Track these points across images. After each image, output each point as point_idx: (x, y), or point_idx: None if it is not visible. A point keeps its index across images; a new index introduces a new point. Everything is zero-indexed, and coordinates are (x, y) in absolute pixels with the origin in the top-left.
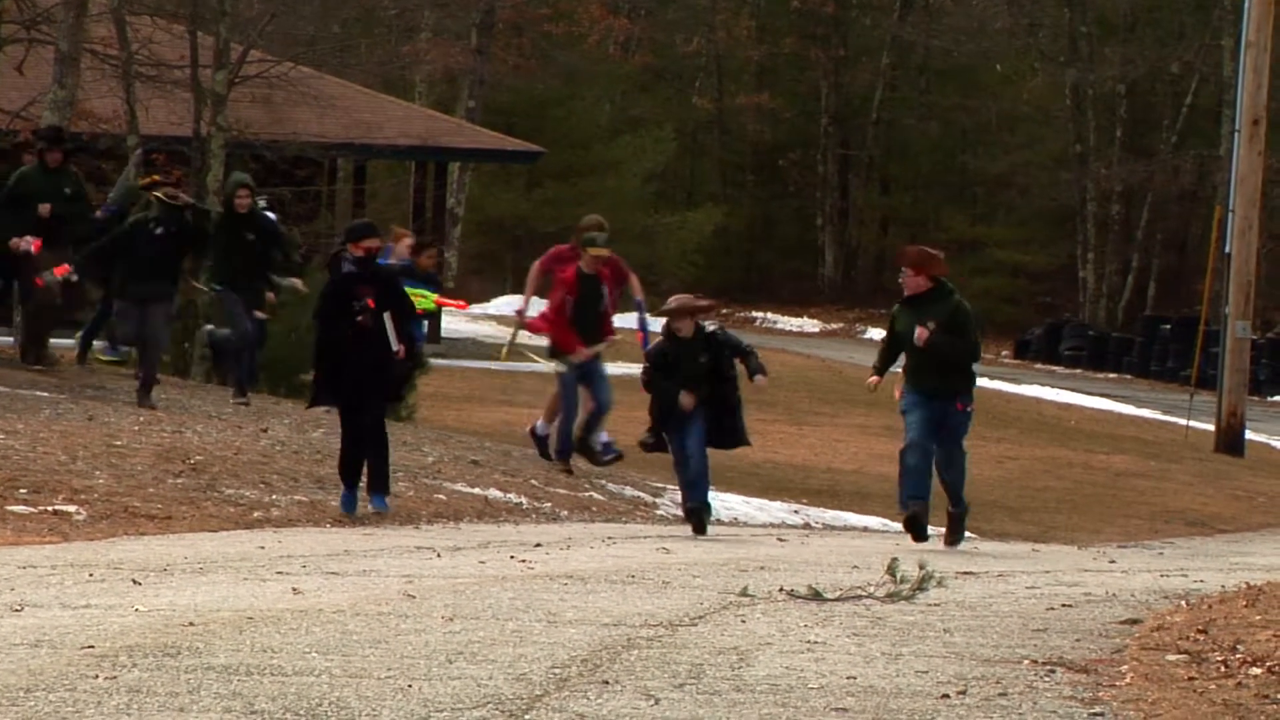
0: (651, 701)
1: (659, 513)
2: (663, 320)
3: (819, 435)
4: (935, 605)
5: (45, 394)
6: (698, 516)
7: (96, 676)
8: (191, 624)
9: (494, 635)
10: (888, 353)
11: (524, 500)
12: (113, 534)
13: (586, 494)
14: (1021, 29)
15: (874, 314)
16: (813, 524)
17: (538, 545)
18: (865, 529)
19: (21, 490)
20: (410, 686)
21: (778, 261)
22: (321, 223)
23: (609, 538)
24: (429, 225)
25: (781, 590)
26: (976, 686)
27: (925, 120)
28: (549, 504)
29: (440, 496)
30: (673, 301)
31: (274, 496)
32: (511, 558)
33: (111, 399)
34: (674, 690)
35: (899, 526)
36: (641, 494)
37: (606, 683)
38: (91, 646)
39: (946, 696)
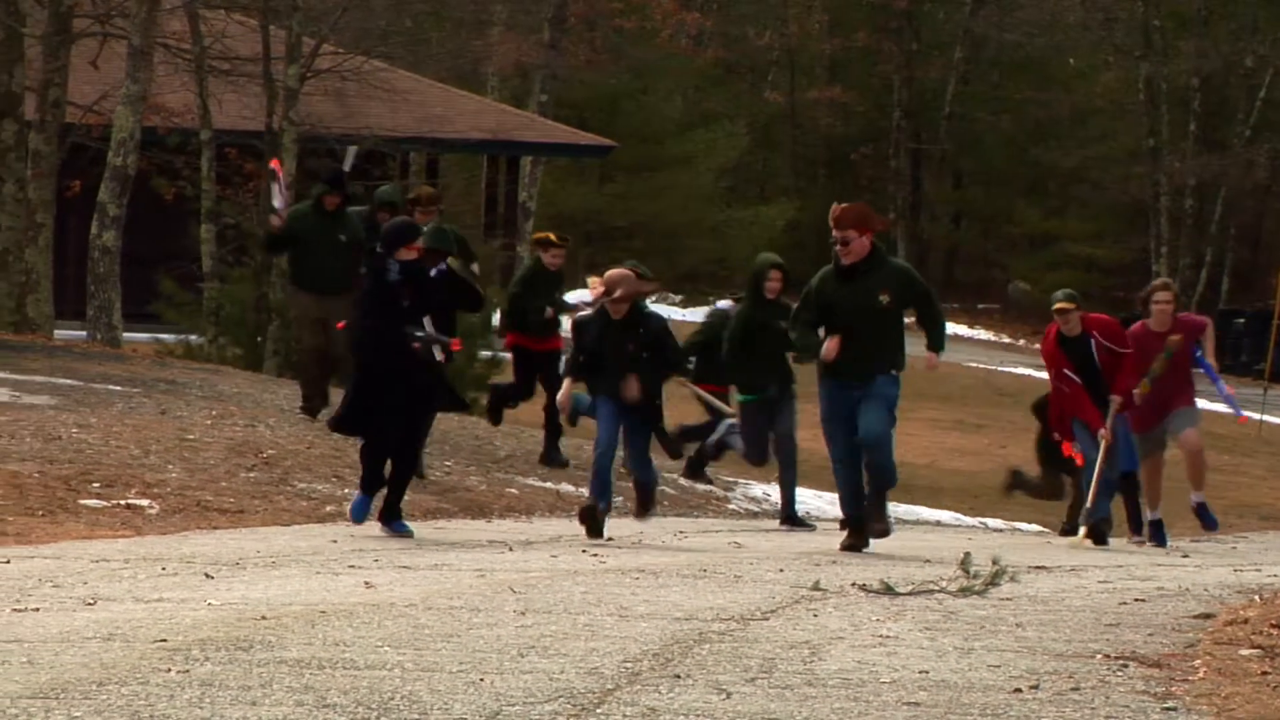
0: (723, 695)
1: (730, 507)
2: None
3: None
4: (1007, 599)
5: (118, 388)
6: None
7: (169, 670)
8: (264, 618)
9: (566, 629)
10: (807, 343)
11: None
12: (185, 528)
13: (658, 489)
14: (1095, 22)
15: (947, 308)
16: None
17: (609, 539)
18: (938, 523)
19: (94, 484)
20: (482, 680)
21: None
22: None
23: (680, 532)
24: (501, 219)
25: (853, 584)
26: (1049, 681)
27: (998, 114)
28: (620, 498)
29: (512, 491)
30: (615, 276)
31: (346, 490)
32: (583, 552)
33: (184, 393)
34: (745, 684)
35: (972, 521)
36: (713, 488)
37: (678, 676)
38: (164, 640)
39: (1018, 691)
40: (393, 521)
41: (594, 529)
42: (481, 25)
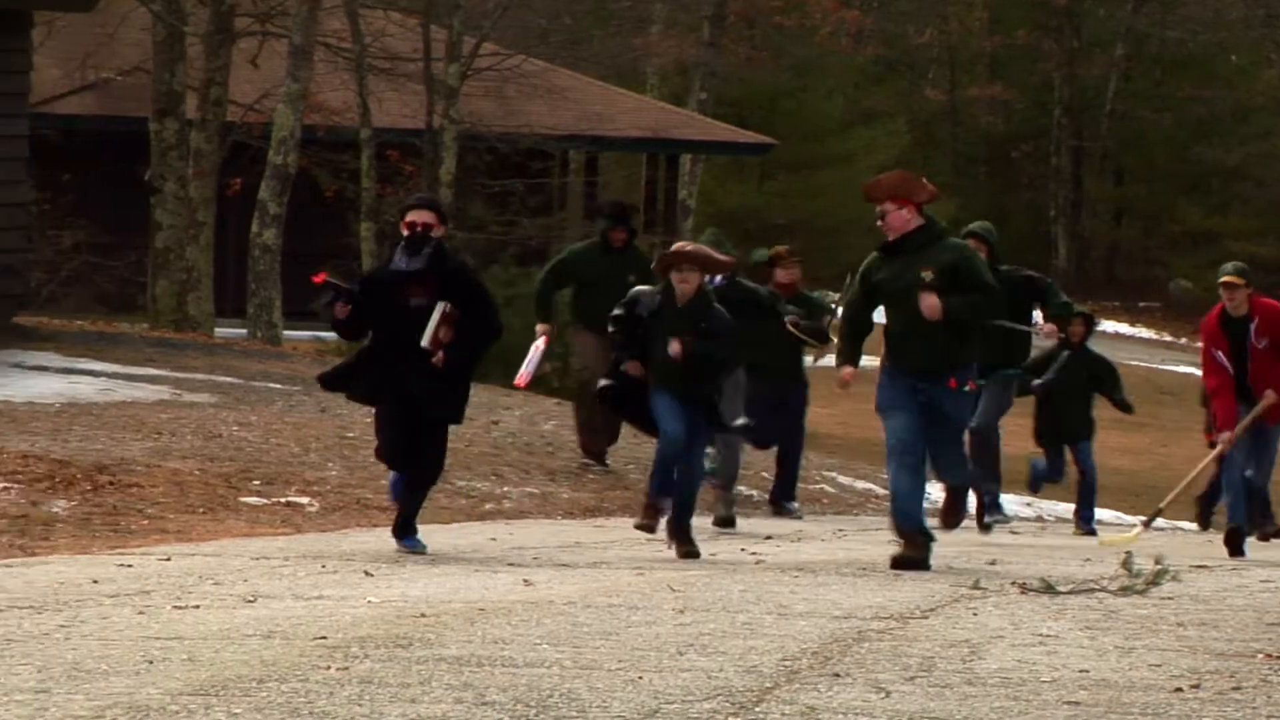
0: (882, 694)
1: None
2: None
3: None
4: (1168, 599)
5: (278, 386)
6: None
7: (328, 667)
8: (423, 615)
9: (724, 627)
10: (857, 331)
11: (755, 493)
12: (345, 525)
13: (817, 486)
14: (1257, 20)
15: (1108, 306)
16: (1045, 517)
17: (768, 538)
18: (1099, 522)
19: (255, 482)
20: (640, 678)
21: (1010, 254)
22: (551, 217)
23: (839, 530)
24: (660, 217)
25: (1014, 583)
26: (1210, 680)
27: (1159, 111)
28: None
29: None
30: (688, 248)
31: (505, 489)
32: (742, 550)
33: None
34: (905, 683)
35: (1133, 519)
36: (873, 486)
37: (837, 675)
38: (324, 637)
39: (1179, 690)
40: (404, 537)
41: (682, 544)
42: (641, 24)
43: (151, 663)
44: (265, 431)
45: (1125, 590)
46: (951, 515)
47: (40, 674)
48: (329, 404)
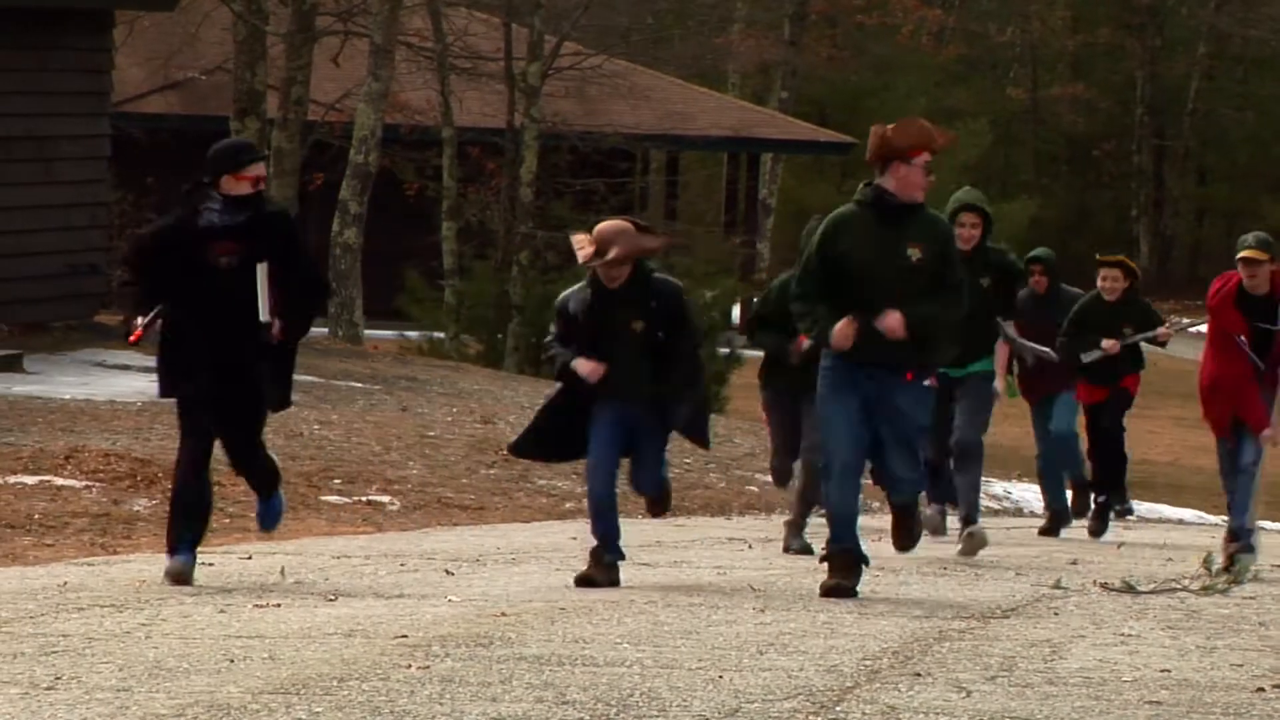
0: (963, 694)
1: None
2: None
3: (1134, 426)
4: (1250, 598)
5: (359, 385)
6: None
7: (409, 666)
8: (504, 614)
9: (804, 627)
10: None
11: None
12: (426, 524)
13: None
14: None
15: (1189, 305)
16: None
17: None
18: (1180, 521)
19: (336, 481)
20: (721, 677)
21: (1093, 252)
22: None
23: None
24: (741, 216)
25: (1095, 583)
26: None
27: (1242, 110)
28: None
29: (752, 488)
30: (608, 230)
31: (585, 488)
32: (822, 549)
33: (424, 390)
34: (985, 682)
35: (1215, 519)
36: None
37: (918, 675)
38: (404, 636)
39: (1261, 690)
40: (263, 503)
41: (600, 579)
42: (722, 23)
43: (232, 661)
44: (346, 430)
45: (1207, 590)
46: (905, 536)
47: (122, 672)
48: (410, 403)
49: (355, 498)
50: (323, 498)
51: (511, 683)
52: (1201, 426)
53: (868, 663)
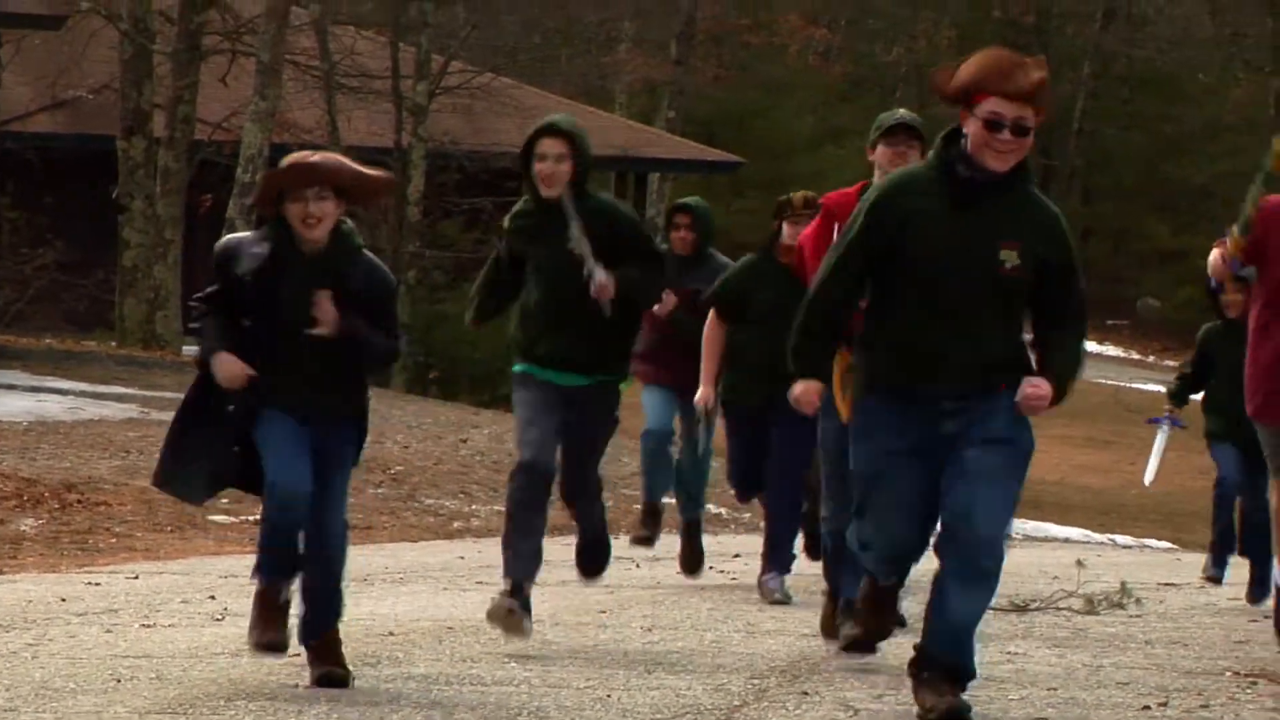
0: (850, 713)
1: None
2: None
3: None
4: (1136, 617)
5: None
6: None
7: (297, 685)
8: (391, 634)
9: (693, 646)
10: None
11: (723, 511)
12: None
13: None
14: (1224, 38)
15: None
16: (1013, 535)
17: (736, 556)
18: (1066, 540)
19: (222, 500)
20: (609, 696)
21: None
22: None
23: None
24: None
25: None
26: (1178, 698)
27: (1127, 130)
28: (749, 514)
29: (639, 507)
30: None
31: (474, 506)
32: (710, 568)
33: None
34: (873, 701)
35: (1100, 537)
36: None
37: (805, 694)
38: (293, 656)
39: (1148, 708)
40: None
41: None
42: (609, 42)
43: (119, 681)
44: None
45: (1092, 608)
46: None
47: (8, 693)
48: None
49: (242, 517)
50: (209, 517)
51: (399, 702)
52: (1089, 445)
53: (755, 682)
